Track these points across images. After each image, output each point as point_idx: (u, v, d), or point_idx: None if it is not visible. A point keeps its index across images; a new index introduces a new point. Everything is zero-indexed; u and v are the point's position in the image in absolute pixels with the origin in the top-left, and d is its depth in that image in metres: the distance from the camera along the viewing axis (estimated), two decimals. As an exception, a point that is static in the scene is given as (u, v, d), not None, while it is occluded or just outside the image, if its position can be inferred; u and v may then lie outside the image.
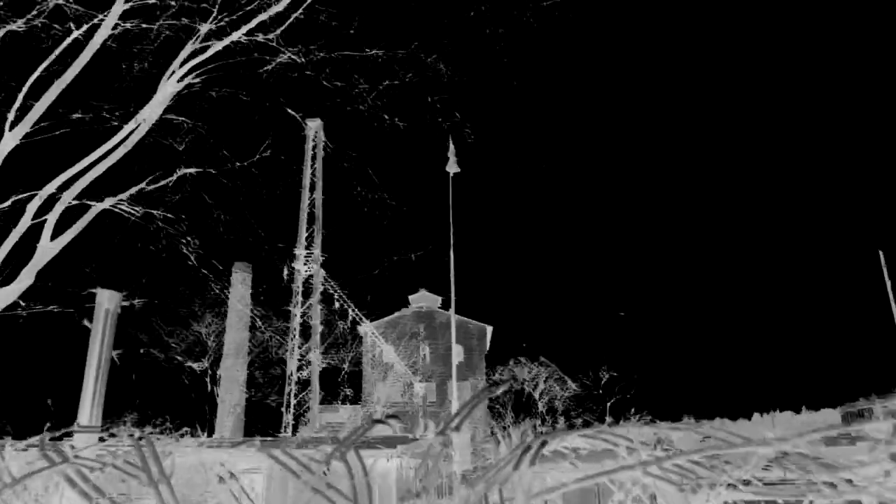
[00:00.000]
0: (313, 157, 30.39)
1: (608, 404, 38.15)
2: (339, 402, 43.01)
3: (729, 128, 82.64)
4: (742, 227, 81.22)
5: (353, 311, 32.55)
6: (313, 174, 29.62)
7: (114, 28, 13.22)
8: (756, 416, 44.50)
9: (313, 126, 29.53)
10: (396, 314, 42.82)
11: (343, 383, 37.31)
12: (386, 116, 13.42)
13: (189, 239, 15.44)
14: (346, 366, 36.43)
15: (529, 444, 2.28)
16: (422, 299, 44.32)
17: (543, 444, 2.32)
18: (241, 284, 43.29)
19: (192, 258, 13.97)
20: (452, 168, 30.03)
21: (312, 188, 29.83)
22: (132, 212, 14.62)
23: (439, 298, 44.00)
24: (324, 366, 30.42)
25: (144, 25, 13.54)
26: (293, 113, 14.02)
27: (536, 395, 39.73)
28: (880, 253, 19.67)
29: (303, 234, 30.77)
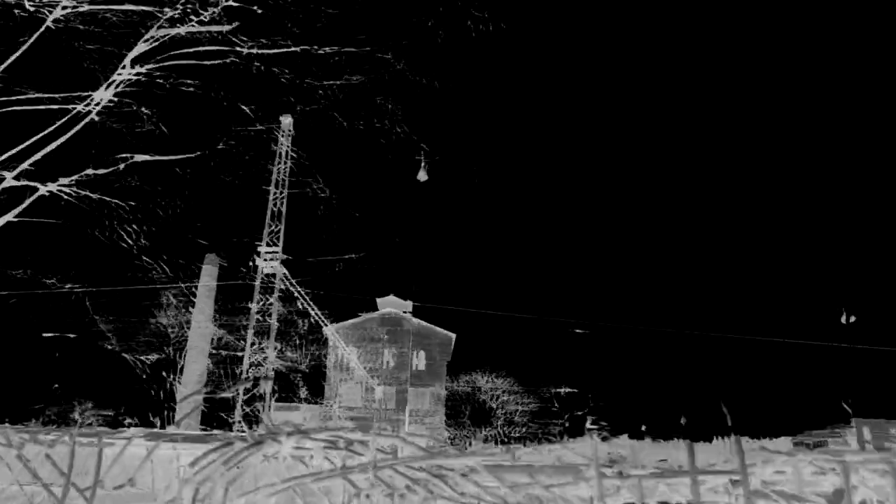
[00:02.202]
0: (284, 154, 30.29)
1: (565, 419, 38.25)
2: (300, 402, 42.79)
3: (697, 151, 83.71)
4: (709, 247, 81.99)
5: (315, 311, 32.41)
6: (283, 171, 29.51)
7: (66, 8, 13.08)
8: (716, 440, 44.69)
9: (285, 123, 29.44)
10: (363, 317, 42.73)
11: (299, 383, 37.07)
12: (339, 117, 13.40)
13: (134, 228, 15.26)
14: (304, 365, 36.22)
15: (231, 440, 2.26)
16: (389, 304, 44.21)
17: (258, 443, 2.30)
18: (208, 277, 42.94)
19: (134, 247, 13.81)
20: (422, 177, 30.24)
21: (280, 185, 29.71)
22: (73, 195, 14.42)
23: (408, 304, 43.96)
24: (278, 364, 30.21)
25: (100, 8, 13.41)
26: (246, 109, 13.94)
27: (495, 406, 39.76)
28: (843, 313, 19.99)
29: (267, 230, 30.64)
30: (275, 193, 29.52)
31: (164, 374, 39.28)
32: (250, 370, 30.45)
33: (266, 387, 29.44)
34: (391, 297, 44.45)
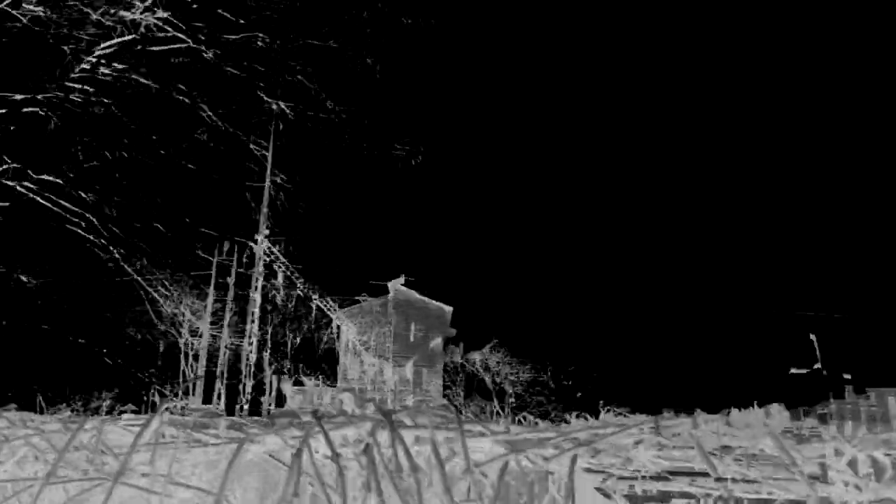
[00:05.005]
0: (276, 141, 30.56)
1: (577, 395, 38.30)
2: (314, 382, 43.65)
3: (689, 131, 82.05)
4: (707, 221, 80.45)
5: (310, 294, 32.85)
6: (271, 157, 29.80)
7: (26, 15, 13.36)
8: (735, 412, 44.07)
9: (277, 108, 29.60)
10: (368, 300, 43.20)
11: (300, 365, 37.74)
12: (282, 106, 13.58)
13: (86, 219, 15.57)
14: (294, 342, 36.82)
15: None
16: (397, 285, 44.66)
17: None
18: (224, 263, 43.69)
19: (94, 237, 14.17)
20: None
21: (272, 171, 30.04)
22: (46, 193, 14.83)
23: (409, 287, 44.36)
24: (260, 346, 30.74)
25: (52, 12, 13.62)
26: (206, 109, 14.14)
27: (498, 381, 40.04)
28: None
29: (264, 215, 31.04)
30: (269, 179, 29.83)
31: (183, 358, 40.28)
32: (253, 353, 31.10)
33: (248, 366, 30.04)
34: (402, 279, 44.88)
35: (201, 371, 39.84)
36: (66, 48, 14.90)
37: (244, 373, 32.15)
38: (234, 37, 15.28)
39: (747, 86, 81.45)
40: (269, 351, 29.92)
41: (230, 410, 32.02)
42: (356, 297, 39.88)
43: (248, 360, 31.45)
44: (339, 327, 41.07)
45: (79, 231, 13.77)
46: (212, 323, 34.86)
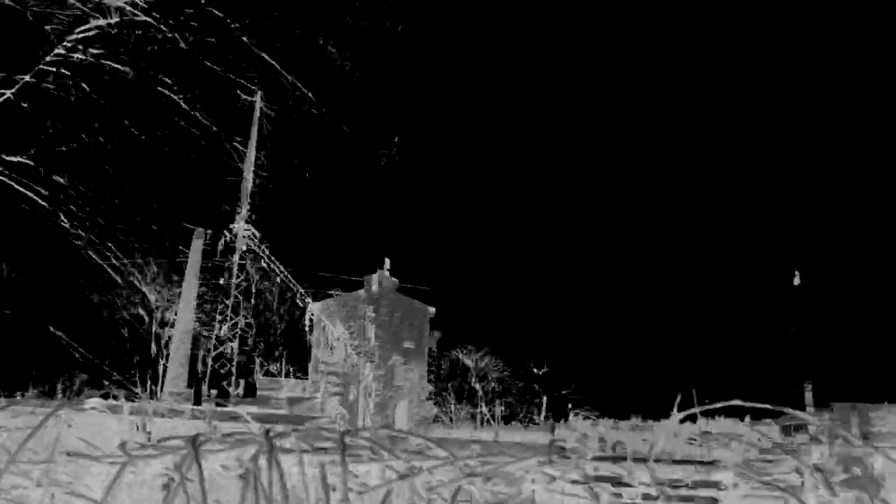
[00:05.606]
0: (260, 129, 30.34)
1: (544, 399, 38.46)
2: (284, 376, 43.49)
3: (667, 126, 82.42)
4: (682, 230, 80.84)
5: (295, 286, 32.74)
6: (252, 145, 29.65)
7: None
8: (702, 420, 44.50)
9: (256, 97, 29.40)
10: (346, 294, 43.06)
11: (280, 355, 37.60)
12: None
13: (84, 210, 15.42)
14: (279, 332, 36.72)
15: None
16: (379, 279, 44.53)
17: None
18: (197, 252, 43.35)
19: (67, 222, 13.99)
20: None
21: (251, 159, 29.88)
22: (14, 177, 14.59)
23: (396, 281, 44.22)
24: (236, 332, 30.63)
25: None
26: (165, 89, 13.98)
27: (479, 382, 40.08)
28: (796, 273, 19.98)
29: (245, 205, 30.88)
30: (246, 167, 29.73)
31: (154, 345, 39.90)
32: (222, 344, 30.97)
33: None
34: (381, 273, 44.74)
35: (173, 359, 39.44)
36: (47, 29, 14.67)
37: (209, 363, 32.03)
38: (213, 28, 15.11)
39: (737, 78, 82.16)
40: (236, 340, 29.75)
41: (197, 400, 31.82)
42: (329, 292, 39.73)
43: (212, 349, 31.33)
44: (311, 319, 40.91)
45: (57, 219, 13.60)
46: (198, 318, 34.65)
